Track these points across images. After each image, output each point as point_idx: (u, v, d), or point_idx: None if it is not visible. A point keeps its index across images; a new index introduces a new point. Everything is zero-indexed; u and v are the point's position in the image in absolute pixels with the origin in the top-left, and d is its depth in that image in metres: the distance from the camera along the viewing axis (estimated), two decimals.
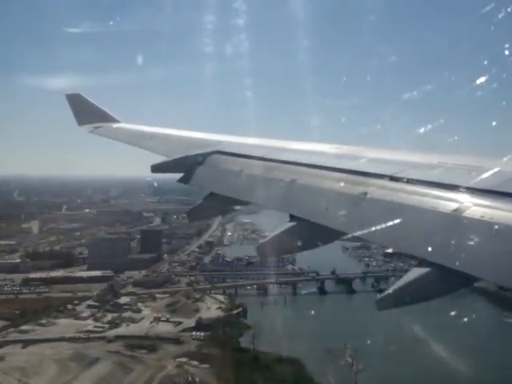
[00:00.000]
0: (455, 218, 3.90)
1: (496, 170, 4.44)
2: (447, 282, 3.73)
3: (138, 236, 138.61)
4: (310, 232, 5.19)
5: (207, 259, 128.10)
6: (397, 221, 4.30)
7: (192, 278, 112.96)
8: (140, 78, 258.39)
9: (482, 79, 9.98)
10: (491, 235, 3.56)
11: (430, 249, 3.85)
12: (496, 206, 3.82)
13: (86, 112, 14.28)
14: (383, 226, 4.32)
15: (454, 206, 4.03)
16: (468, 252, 3.63)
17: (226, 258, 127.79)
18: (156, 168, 8.47)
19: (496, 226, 3.58)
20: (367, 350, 71.81)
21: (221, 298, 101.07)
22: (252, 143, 8.73)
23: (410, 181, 4.74)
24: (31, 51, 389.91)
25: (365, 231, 4.53)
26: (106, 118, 13.92)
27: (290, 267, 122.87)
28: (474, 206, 3.91)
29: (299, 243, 5.46)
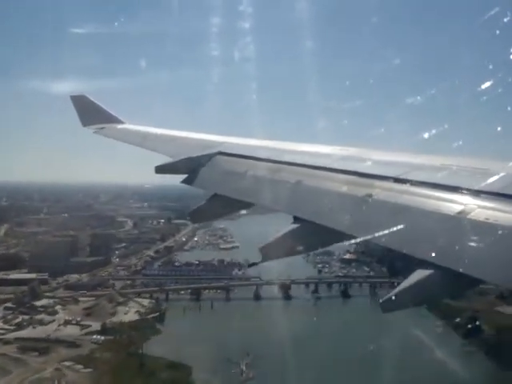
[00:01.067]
0: (460, 221, 3.85)
1: (501, 172, 4.40)
2: (451, 284, 3.69)
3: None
4: (315, 234, 5.10)
5: (157, 264, 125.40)
6: (401, 223, 4.23)
7: (128, 282, 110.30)
8: (145, 80, 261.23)
9: (487, 84, 10.00)
10: (496, 237, 3.51)
11: (434, 251, 3.78)
12: (501, 208, 3.78)
13: (90, 113, 14.05)
14: (388, 227, 4.24)
15: (459, 208, 3.99)
16: (472, 254, 3.56)
17: (176, 263, 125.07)
18: (160, 169, 8.30)
19: (501, 229, 3.53)
20: (271, 359, 70.23)
21: (146, 302, 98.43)
22: (256, 145, 8.54)
23: (414, 183, 4.70)
24: (34, 53, 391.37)
25: (369, 233, 4.45)
26: (111, 119, 13.73)
27: (236, 272, 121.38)
28: (478, 209, 3.87)
29: (303, 245, 5.44)
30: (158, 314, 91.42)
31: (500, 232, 3.51)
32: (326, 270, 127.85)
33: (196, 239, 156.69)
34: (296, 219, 5.33)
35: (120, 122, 13.62)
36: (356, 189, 5.10)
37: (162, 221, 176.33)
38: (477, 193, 4.10)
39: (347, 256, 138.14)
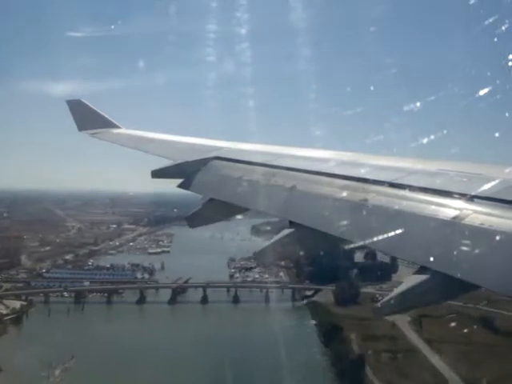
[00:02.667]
0: (454, 225, 3.84)
1: (496, 177, 4.40)
2: (446, 288, 3.69)
3: None
4: (309, 238, 5.14)
5: (68, 267, 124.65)
6: (396, 228, 4.25)
7: (20, 285, 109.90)
8: (142, 84, 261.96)
9: (485, 90, 10.11)
10: (491, 242, 3.51)
11: (428, 255, 3.79)
12: (496, 213, 3.78)
13: (86, 118, 14.07)
14: (382, 232, 4.27)
15: (454, 213, 3.98)
16: (467, 259, 3.56)
17: (86, 267, 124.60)
18: (156, 173, 8.37)
19: (496, 234, 3.52)
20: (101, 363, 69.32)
21: (18, 304, 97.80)
22: (252, 149, 8.64)
23: (410, 188, 4.71)
24: (32, 56, 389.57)
25: (363, 238, 4.52)
26: (107, 123, 13.77)
27: (139, 275, 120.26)
28: (473, 214, 3.87)
29: (297, 249, 5.52)
30: (15, 315, 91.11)
31: (495, 237, 3.49)
32: (237, 275, 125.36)
33: (131, 244, 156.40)
34: (291, 224, 5.33)
35: (116, 126, 13.64)
36: (351, 193, 5.08)
37: (114, 226, 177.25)
38: (472, 198, 4.07)
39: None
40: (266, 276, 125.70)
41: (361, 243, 4.57)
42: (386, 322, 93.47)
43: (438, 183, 4.60)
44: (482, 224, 3.69)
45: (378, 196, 4.81)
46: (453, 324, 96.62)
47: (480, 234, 3.62)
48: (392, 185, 4.89)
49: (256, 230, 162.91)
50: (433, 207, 4.23)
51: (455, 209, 4.04)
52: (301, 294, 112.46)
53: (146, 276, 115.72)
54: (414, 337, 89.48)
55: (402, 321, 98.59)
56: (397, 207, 4.49)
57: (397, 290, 3.83)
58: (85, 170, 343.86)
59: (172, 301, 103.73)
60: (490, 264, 3.47)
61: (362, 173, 5.49)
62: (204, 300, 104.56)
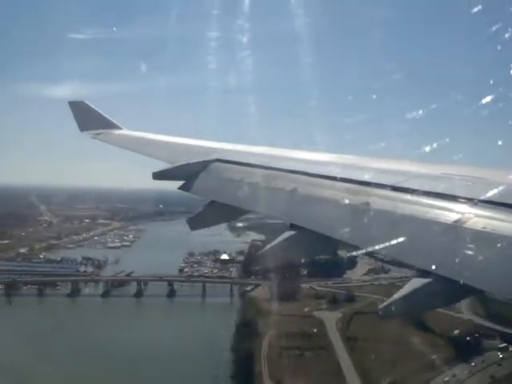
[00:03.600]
0: (456, 229, 3.82)
1: (499, 181, 4.40)
2: (448, 292, 3.66)
3: None
4: (310, 241, 5.10)
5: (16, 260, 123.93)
6: (398, 231, 4.23)
7: None
8: (143, 86, 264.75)
9: (488, 98, 10.24)
10: (493, 246, 3.48)
11: (430, 259, 3.76)
12: (498, 217, 3.75)
13: (88, 119, 14.15)
14: (384, 236, 4.24)
15: (456, 216, 3.97)
16: (469, 263, 3.53)
17: (34, 260, 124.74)
18: (157, 175, 8.34)
19: (498, 238, 3.49)
20: None
21: None
22: (253, 151, 8.65)
23: (412, 191, 4.67)
24: (34, 58, 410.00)
25: (365, 241, 4.52)
26: (109, 124, 13.84)
27: (81, 268, 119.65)
28: (475, 217, 3.85)
29: (298, 252, 5.51)
30: None
31: (497, 241, 3.47)
32: (187, 269, 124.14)
33: (96, 238, 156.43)
34: (292, 226, 5.27)
35: (118, 127, 13.71)
36: (353, 197, 5.06)
37: (88, 220, 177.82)
38: (474, 201, 4.05)
39: (224, 256, 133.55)
40: (215, 271, 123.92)
41: (362, 246, 4.54)
42: (314, 319, 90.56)
43: (440, 187, 4.54)
44: (484, 228, 3.67)
45: (379, 199, 4.76)
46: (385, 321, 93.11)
47: (482, 237, 3.59)
48: (394, 188, 4.84)
49: (232, 226, 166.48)
50: (435, 211, 4.20)
51: (457, 212, 4.01)
52: (240, 290, 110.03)
53: (90, 269, 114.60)
54: (335, 334, 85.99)
55: (332, 318, 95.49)
56: (399, 211, 4.45)
57: (398, 294, 3.78)
58: (86, 168, 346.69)
59: (105, 294, 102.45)
60: (493, 268, 3.42)
61: (364, 176, 5.43)
62: (138, 294, 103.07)
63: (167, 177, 8.41)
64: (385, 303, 3.82)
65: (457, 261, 3.61)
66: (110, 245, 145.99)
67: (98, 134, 13.39)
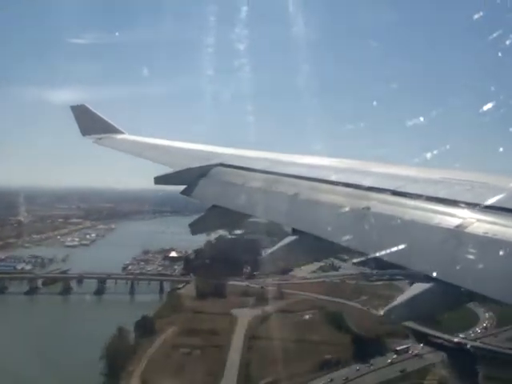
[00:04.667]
0: (458, 234, 3.78)
1: (500, 186, 4.38)
2: (449, 297, 3.67)
3: None
4: (312, 246, 5.11)
5: None
6: (399, 236, 4.23)
7: None
8: (145, 90, 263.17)
9: (489, 105, 10.34)
10: (495, 252, 3.44)
11: (431, 264, 3.76)
12: (500, 222, 3.70)
13: (90, 123, 14.18)
14: (385, 240, 4.25)
15: (457, 221, 3.93)
16: (470, 268, 3.50)
17: None
18: (159, 180, 8.35)
19: (499, 243, 3.46)
20: None
21: None
22: (255, 156, 8.62)
23: (412, 196, 4.64)
24: (35, 63, 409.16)
25: (366, 246, 4.50)
26: (111, 129, 13.88)
27: (18, 266, 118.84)
28: (477, 222, 3.80)
29: (300, 256, 5.57)
30: None
31: (499, 246, 3.43)
32: (130, 267, 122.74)
33: (59, 237, 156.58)
34: (294, 231, 5.32)
35: (119, 132, 13.77)
36: (354, 201, 5.05)
37: (61, 220, 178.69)
38: (476, 206, 4.02)
39: (173, 254, 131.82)
40: (160, 269, 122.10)
41: (362, 251, 4.52)
42: (229, 317, 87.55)
43: (441, 192, 4.52)
44: (485, 233, 3.64)
45: (380, 204, 4.76)
46: (304, 319, 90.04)
47: (484, 242, 3.57)
48: (395, 193, 4.83)
49: None
50: (436, 216, 4.17)
51: (459, 217, 3.98)
52: (172, 287, 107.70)
53: (28, 267, 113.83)
54: (241, 333, 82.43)
55: (249, 316, 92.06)
56: (399, 215, 4.43)
57: (400, 299, 3.80)
58: (84, 170, 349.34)
59: (31, 292, 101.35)
60: (494, 273, 3.39)
61: (365, 181, 5.41)
62: (66, 291, 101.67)
63: (169, 181, 8.38)
64: (387, 307, 3.79)
65: (458, 266, 3.58)
66: (69, 244, 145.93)
67: (100, 139, 13.41)
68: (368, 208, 4.73)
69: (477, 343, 79.11)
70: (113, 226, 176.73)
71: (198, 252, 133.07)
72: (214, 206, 6.98)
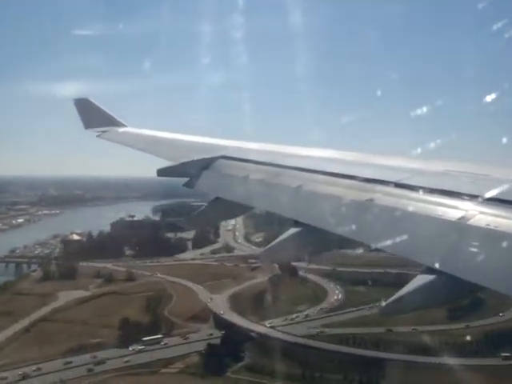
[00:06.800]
0: (461, 226, 3.77)
1: (503, 178, 4.36)
2: (452, 289, 3.65)
3: None
4: (315, 238, 5.05)
5: None
6: (402, 228, 4.21)
7: None
8: (147, 83, 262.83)
9: (493, 95, 10.04)
10: (497, 244, 3.43)
11: (434, 256, 3.74)
12: (502, 214, 3.69)
13: (93, 116, 14.11)
14: (388, 232, 4.23)
15: (460, 213, 3.91)
16: (473, 260, 3.49)
17: None
18: (162, 172, 8.33)
19: (502, 235, 3.44)
20: None
21: None
22: (257, 148, 8.56)
23: (415, 188, 4.63)
24: (38, 56, 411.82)
25: (369, 237, 4.56)
26: (113, 122, 13.77)
27: None
28: (479, 214, 3.79)
29: (303, 248, 5.51)
30: None
31: (501, 238, 3.42)
32: (18, 251, 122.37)
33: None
34: (297, 223, 5.24)
35: (122, 125, 13.68)
36: (357, 193, 5.03)
37: (8, 206, 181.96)
38: (478, 198, 4.02)
39: (71, 237, 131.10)
40: (47, 252, 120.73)
41: (366, 242, 4.59)
42: (45, 299, 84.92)
43: (444, 184, 4.53)
44: (488, 225, 3.62)
45: (383, 196, 4.76)
46: (121, 301, 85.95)
47: (486, 234, 3.56)
48: (398, 185, 4.84)
49: (155, 210, 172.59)
50: (439, 208, 4.17)
51: (461, 210, 3.97)
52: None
53: None
54: (36, 315, 79.02)
55: (71, 297, 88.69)
56: (402, 207, 4.43)
57: (403, 290, 3.75)
58: (84, 159, 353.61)
59: None
60: (496, 265, 3.39)
61: (368, 173, 5.41)
62: None
63: (172, 173, 8.35)
64: (389, 300, 3.76)
65: (461, 258, 3.58)
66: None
67: (102, 132, 13.31)
68: (371, 200, 4.71)
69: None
70: (57, 212, 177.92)
71: (99, 234, 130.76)
72: (217, 198, 6.95)
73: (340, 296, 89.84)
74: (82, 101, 14.50)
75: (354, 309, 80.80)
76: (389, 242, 4.06)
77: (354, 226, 4.59)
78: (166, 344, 70.72)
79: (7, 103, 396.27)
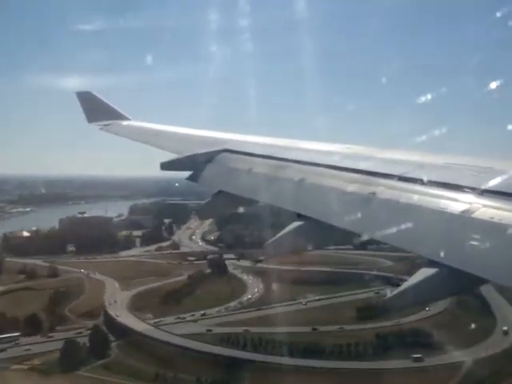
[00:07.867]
0: (464, 219, 3.77)
1: (505, 170, 4.35)
2: (456, 283, 3.66)
3: None
4: (318, 231, 5.07)
5: None
6: (405, 221, 4.18)
7: None
8: (151, 76, 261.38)
9: (494, 85, 10.19)
10: (500, 237, 3.43)
11: (438, 249, 3.72)
12: (505, 207, 3.67)
13: (96, 110, 14.08)
14: (391, 225, 4.22)
15: (463, 207, 3.91)
16: (477, 253, 3.52)
17: None
18: (165, 166, 8.37)
19: (505, 228, 3.43)
20: None
21: None
22: (261, 142, 8.58)
23: (418, 181, 4.62)
24: (40, 49, 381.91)
25: (372, 231, 4.58)
26: (116, 115, 13.74)
27: None
28: (483, 207, 3.78)
29: (306, 242, 5.47)
30: None
31: (505, 231, 3.40)
32: None
33: None
34: (300, 216, 5.27)
35: (125, 118, 13.68)
36: (360, 187, 5.05)
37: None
38: (481, 191, 4.01)
39: (25, 234, 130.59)
40: None
41: (369, 235, 4.63)
42: None
43: (447, 177, 4.53)
44: (491, 218, 3.62)
45: (386, 189, 4.77)
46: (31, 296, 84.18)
47: (490, 227, 3.56)
48: (401, 178, 4.85)
49: (133, 209, 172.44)
50: (442, 201, 4.18)
51: (464, 203, 3.99)
52: None
53: None
54: None
55: None
56: (405, 201, 4.45)
57: (407, 283, 3.77)
58: (86, 156, 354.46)
59: None
60: (501, 258, 3.38)
61: (371, 166, 5.44)
62: None
63: (175, 167, 8.44)
64: (394, 293, 3.80)
65: (465, 251, 3.58)
66: None
67: (105, 125, 13.33)
68: (374, 193, 4.73)
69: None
70: (27, 210, 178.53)
71: (49, 231, 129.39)
72: (221, 192, 7.01)
73: (256, 295, 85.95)
74: (84, 94, 14.50)
75: (265, 307, 76.80)
76: (392, 236, 4.15)
77: (356, 219, 4.61)
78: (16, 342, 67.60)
79: (8, 98, 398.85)
